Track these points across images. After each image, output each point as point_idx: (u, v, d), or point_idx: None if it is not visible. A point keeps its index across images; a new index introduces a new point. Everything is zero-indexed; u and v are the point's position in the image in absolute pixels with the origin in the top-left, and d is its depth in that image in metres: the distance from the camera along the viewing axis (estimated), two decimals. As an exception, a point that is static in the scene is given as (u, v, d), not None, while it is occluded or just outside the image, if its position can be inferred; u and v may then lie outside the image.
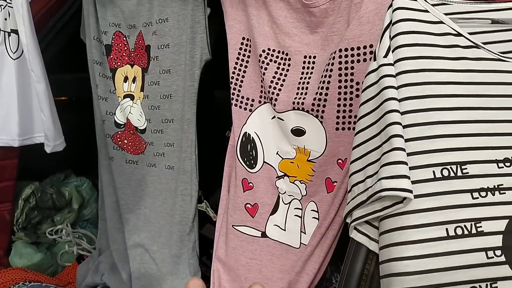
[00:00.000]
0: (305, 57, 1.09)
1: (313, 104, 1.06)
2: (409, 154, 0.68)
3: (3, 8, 1.31)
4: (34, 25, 1.58)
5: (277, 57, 1.13)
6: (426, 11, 0.74)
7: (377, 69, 0.73)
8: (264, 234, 1.17)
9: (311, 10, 1.07)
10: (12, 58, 1.34)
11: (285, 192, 1.15)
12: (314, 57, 1.07)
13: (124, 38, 1.50)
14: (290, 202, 1.15)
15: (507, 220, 0.67)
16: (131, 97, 1.51)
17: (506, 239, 0.67)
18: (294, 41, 1.10)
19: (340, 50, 1.00)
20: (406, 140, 0.69)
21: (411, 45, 0.72)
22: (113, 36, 1.52)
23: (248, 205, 1.19)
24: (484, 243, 0.66)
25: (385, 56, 0.72)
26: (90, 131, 1.65)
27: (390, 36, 0.73)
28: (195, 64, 1.32)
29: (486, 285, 0.65)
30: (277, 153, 1.15)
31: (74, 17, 1.63)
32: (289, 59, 1.11)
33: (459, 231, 0.67)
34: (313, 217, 1.10)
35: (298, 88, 1.09)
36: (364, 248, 0.78)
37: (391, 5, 0.75)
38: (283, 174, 1.15)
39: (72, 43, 1.63)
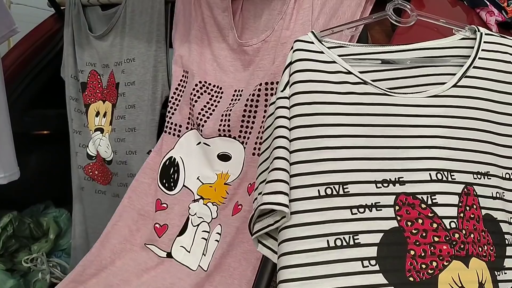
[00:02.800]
0: (235, 91, 1.24)
1: (240, 131, 1.19)
2: (297, 175, 0.80)
3: None
4: (20, 64, 1.78)
5: (211, 90, 1.28)
6: (322, 52, 0.88)
7: (275, 101, 0.86)
8: (169, 255, 1.24)
9: (245, 49, 1.22)
10: None
11: (195, 213, 1.24)
12: (242, 90, 1.22)
13: (99, 76, 1.67)
14: (199, 225, 1.23)
15: (382, 234, 0.78)
16: (101, 130, 1.66)
17: (380, 250, 0.77)
18: (229, 77, 1.26)
19: (267, 83, 1.14)
20: (296, 163, 0.81)
21: (306, 81, 0.85)
22: (89, 75, 1.70)
23: (157, 225, 1.28)
24: (360, 254, 0.77)
25: (283, 90, 0.86)
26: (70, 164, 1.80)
27: (289, 73, 0.87)
28: (156, 99, 1.48)
29: (362, 291, 0.76)
30: (197, 178, 1.26)
31: (56, 57, 1.82)
32: (222, 93, 1.26)
33: (338, 243, 0.77)
34: (215, 240, 1.17)
35: (223, 116, 1.22)
36: (271, 262, 0.89)
37: (292, 47, 0.90)
38: (200, 197, 1.25)
39: (54, 80, 1.81)
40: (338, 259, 0.77)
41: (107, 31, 1.60)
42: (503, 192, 0.86)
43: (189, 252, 1.22)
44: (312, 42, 0.89)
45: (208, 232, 1.22)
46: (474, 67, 0.89)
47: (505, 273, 0.82)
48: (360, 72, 0.88)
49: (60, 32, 1.82)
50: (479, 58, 0.90)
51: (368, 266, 0.76)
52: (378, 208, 0.79)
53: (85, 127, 1.70)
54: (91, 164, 1.69)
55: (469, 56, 0.91)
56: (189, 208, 1.25)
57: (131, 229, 1.31)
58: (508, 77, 0.90)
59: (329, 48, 0.89)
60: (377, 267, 0.76)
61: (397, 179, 0.81)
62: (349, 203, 0.79)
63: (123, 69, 1.55)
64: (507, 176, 0.87)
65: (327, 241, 0.77)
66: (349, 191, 0.80)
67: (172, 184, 1.30)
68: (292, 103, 0.84)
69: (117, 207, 1.35)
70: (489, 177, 0.85)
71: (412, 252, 0.77)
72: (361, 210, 0.79)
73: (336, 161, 0.81)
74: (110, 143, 1.60)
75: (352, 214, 0.79)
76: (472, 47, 0.92)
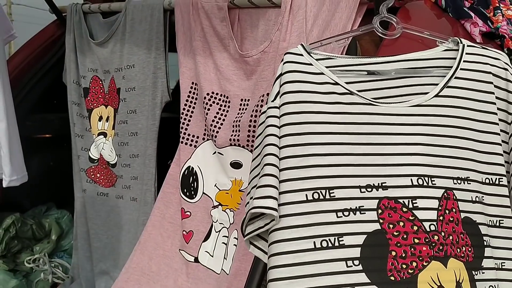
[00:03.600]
0: (241, 100, 1.30)
1: (247, 140, 1.26)
2: (286, 180, 0.86)
3: None
4: (22, 69, 1.84)
5: (219, 99, 1.34)
6: (310, 64, 0.94)
7: (266, 110, 0.92)
8: (196, 260, 1.35)
9: (246, 59, 1.29)
10: None
11: (217, 220, 1.33)
12: (248, 100, 1.29)
13: (101, 82, 1.74)
14: (220, 230, 1.32)
15: (365, 236, 0.84)
16: (104, 134, 1.73)
17: (364, 251, 0.83)
18: (233, 86, 1.32)
19: (268, 94, 1.20)
20: (285, 169, 0.87)
21: (295, 91, 0.91)
22: (91, 80, 1.76)
23: (184, 232, 1.38)
24: (345, 254, 0.83)
25: (273, 100, 0.91)
26: (72, 167, 1.87)
27: (280, 84, 0.93)
28: (156, 105, 1.55)
29: (346, 290, 0.82)
30: (215, 185, 1.35)
31: (58, 62, 1.88)
32: (229, 102, 1.33)
33: (324, 244, 0.83)
34: (234, 244, 1.27)
35: (234, 126, 1.29)
36: (262, 262, 0.95)
37: (283, 59, 0.95)
38: (218, 203, 1.34)
39: (55, 86, 1.88)
40: (324, 259, 0.83)
41: (107, 38, 1.66)
42: (483, 196, 0.92)
43: (212, 256, 1.32)
44: (301, 55, 0.95)
45: (227, 237, 1.31)
46: (456, 78, 0.95)
47: (483, 273, 0.88)
48: (347, 83, 0.93)
49: (62, 38, 1.88)
50: (461, 69, 0.96)
51: (352, 266, 0.82)
52: (362, 212, 0.85)
53: (87, 131, 1.77)
54: (93, 167, 1.76)
55: (452, 67, 0.96)
56: (212, 215, 1.34)
57: (163, 236, 1.43)
58: (488, 87, 0.96)
59: (317, 60, 0.95)
60: (360, 267, 0.82)
61: (380, 184, 0.87)
62: (335, 207, 0.85)
63: (123, 75, 1.62)
64: (487, 181, 0.93)
65: (314, 242, 0.83)
66: (334, 196, 0.86)
67: (192, 192, 1.39)
68: (282, 113, 0.90)
69: (150, 218, 1.47)
70: (469, 182, 0.90)
71: (394, 253, 0.83)
72: (346, 213, 0.85)
73: (323, 167, 0.87)
74: (114, 146, 1.67)
75: (338, 217, 0.85)
76: (455, 58, 0.98)
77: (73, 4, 1.79)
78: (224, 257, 1.29)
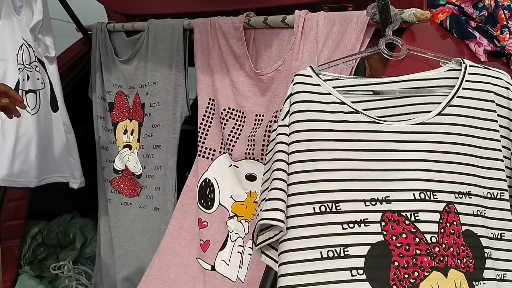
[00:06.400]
0: (256, 115, 1.38)
1: (262, 154, 1.33)
2: (295, 194, 0.93)
3: (22, 71, 1.67)
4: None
5: (235, 115, 1.42)
6: (318, 85, 1.00)
7: (276, 128, 0.99)
8: (213, 268, 1.42)
9: (261, 77, 1.37)
10: (30, 114, 1.68)
11: (233, 230, 1.40)
12: (262, 115, 1.36)
13: (125, 97, 1.84)
14: (235, 240, 1.39)
15: (369, 246, 0.90)
16: (129, 147, 1.82)
17: (368, 261, 0.89)
18: (248, 102, 1.40)
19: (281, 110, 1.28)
20: (294, 183, 0.93)
21: (304, 111, 0.97)
22: (116, 95, 1.86)
23: (201, 241, 1.45)
24: (350, 264, 0.89)
25: (283, 119, 0.98)
26: (96, 178, 1.96)
27: (290, 104, 1.00)
28: (176, 119, 1.63)
29: (351, 298, 0.88)
30: (231, 197, 1.42)
31: (84, 78, 1.99)
32: (244, 117, 1.40)
33: (330, 254, 0.89)
34: (249, 253, 1.34)
35: (249, 141, 1.36)
36: (273, 271, 1.01)
37: (293, 80, 1.02)
38: (234, 214, 1.41)
39: (81, 100, 1.98)
40: (330, 269, 0.89)
41: (131, 56, 1.76)
42: (484, 210, 0.97)
43: (228, 264, 1.40)
44: (310, 76, 1.02)
45: (242, 246, 1.38)
46: (458, 97, 1.00)
47: (484, 283, 0.93)
48: (353, 102, 1.00)
49: (87, 55, 1.99)
50: (463, 88, 1.01)
51: (356, 275, 0.88)
52: (366, 224, 0.91)
53: (112, 144, 1.87)
54: (117, 178, 1.85)
55: (454, 86, 1.02)
56: (228, 226, 1.42)
57: (181, 245, 1.51)
58: (489, 105, 1.01)
59: (325, 80, 1.02)
60: (364, 276, 0.88)
61: (384, 198, 0.93)
62: (341, 219, 0.91)
63: (147, 91, 1.71)
64: (489, 195, 0.98)
65: (320, 252, 0.90)
66: (340, 209, 0.92)
67: (209, 203, 1.47)
68: (291, 131, 0.97)
69: (167, 227, 1.55)
70: (470, 196, 0.95)
71: (396, 263, 0.89)
72: (351, 225, 0.91)
73: (330, 182, 0.94)
74: (139, 158, 1.76)
75: (343, 229, 0.91)
76: (457, 78, 1.03)
77: (98, 23, 1.90)
78: (240, 266, 1.35)
